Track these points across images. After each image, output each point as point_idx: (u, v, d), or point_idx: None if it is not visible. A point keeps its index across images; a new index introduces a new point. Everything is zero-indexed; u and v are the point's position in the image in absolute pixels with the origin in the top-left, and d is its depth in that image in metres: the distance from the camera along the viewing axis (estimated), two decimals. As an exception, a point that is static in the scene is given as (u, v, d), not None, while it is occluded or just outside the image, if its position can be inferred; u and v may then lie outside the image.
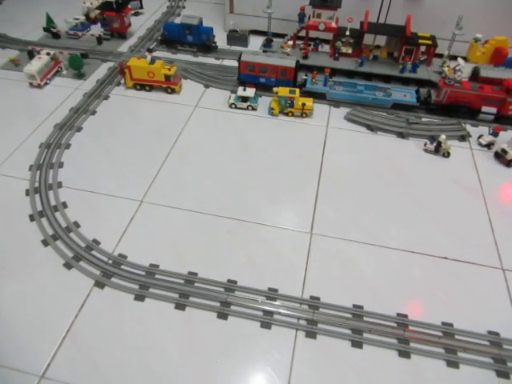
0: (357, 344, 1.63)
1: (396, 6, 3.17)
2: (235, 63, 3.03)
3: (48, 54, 3.00)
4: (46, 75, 2.98)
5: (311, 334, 1.65)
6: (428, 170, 2.41)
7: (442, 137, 2.44)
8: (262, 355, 1.60)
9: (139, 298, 1.76)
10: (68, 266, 1.87)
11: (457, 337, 1.65)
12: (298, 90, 2.71)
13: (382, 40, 3.15)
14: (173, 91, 2.93)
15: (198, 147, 2.52)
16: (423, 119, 2.75)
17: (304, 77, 2.90)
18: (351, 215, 2.14)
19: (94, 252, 1.93)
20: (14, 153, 2.44)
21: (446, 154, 2.48)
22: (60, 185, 2.25)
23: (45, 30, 3.53)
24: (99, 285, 1.81)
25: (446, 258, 1.94)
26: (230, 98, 2.83)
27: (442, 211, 2.16)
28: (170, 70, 2.84)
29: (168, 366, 1.56)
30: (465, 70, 2.77)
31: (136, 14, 3.91)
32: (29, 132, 2.59)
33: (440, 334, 1.65)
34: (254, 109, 2.81)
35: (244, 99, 2.79)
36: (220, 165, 2.40)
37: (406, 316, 1.71)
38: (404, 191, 2.27)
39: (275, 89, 2.70)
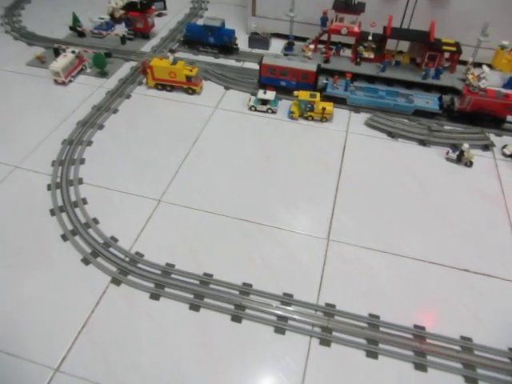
0: (372, 354, 1.60)
1: (420, 12, 3.13)
2: (256, 66, 3.03)
3: (73, 52, 3.06)
4: (71, 73, 3.03)
5: (325, 342, 1.63)
6: (449, 179, 2.36)
7: (465, 145, 2.39)
8: (274, 360, 1.59)
9: (154, 296, 1.77)
10: (86, 261, 1.90)
11: (476, 352, 1.60)
12: (318, 94, 2.69)
13: (405, 45, 3.11)
14: (193, 92, 2.95)
15: (217, 148, 2.52)
16: (445, 127, 2.70)
17: (325, 81, 2.89)
18: (369, 222, 2.11)
19: (111, 249, 1.95)
20: (37, 148, 2.49)
21: (469, 164, 2.43)
22: (81, 181, 2.29)
23: (71, 28, 3.60)
24: (116, 282, 1.82)
25: (466, 270, 1.90)
26: (249, 100, 2.84)
27: (463, 222, 2.12)
28: (191, 70, 2.85)
29: (180, 366, 1.57)
30: (490, 77, 2.72)
31: (159, 14, 3.96)
32: (52, 128, 2.64)
33: (458, 348, 1.61)
34: (273, 112, 2.81)
35: (264, 102, 2.78)
36: (238, 167, 2.40)
37: (423, 328, 1.68)
38: (424, 200, 2.23)
39: (296, 92, 2.69)
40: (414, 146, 2.58)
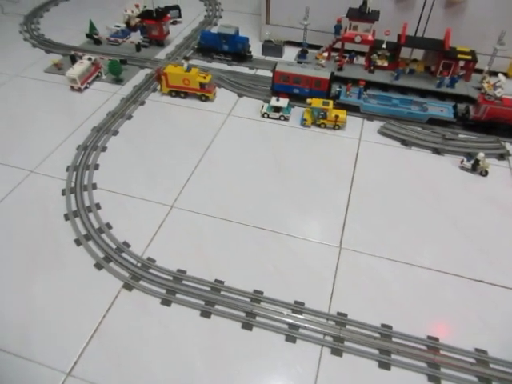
0: (384, 365, 1.58)
1: (435, 20, 3.12)
2: (269, 73, 3.04)
3: (89, 59, 3.11)
4: (87, 79, 3.09)
5: (337, 352, 1.62)
6: (464, 189, 2.33)
7: (481, 154, 2.36)
8: (285, 369, 1.58)
9: (166, 302, 1.78)
10: (98, 266, 1.91)
11: (491, 365, 1.57)
12: (331, 102, 2.69)
13: (419, 54, 3.10)
14: (207, 99, 2.97)
15: (229, 155, 2.53)
16: (460, 135, 2.67)
17: (338, 89, 2.89)
18: (382, 231, 2.09)
19: (123, 254, 1.96)
20: (52, 153, 2.53)
21: (484, 173, 2.40)
22: (95, 186, 2.31)
23: (87, 36, 3.67)
24: (127, 287, 1.83)
25: (481, 281, 1.86)
26: (262, 107, 2.85)
27: (478, 232, 2.09)
28: (205, 78, 2.88)
29: (190, 373, 1.56)
30: (506, 86, 2.68)
31: (174, 22, 4.01)
32: (67, 134, 2.68)
33: (473, 360, 1.58)
34: (286, 119, 2.81)
35: (277, 109, 2.79)
36: (250, 174, 2.41)
37: (436, 339, 1.65)
38: (438, 209, 2.20)
39: (308, 100, 2.69)
40: (428, 154, 2.56)
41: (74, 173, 2.39)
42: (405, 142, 2.62)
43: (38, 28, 3.96)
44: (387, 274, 1.90)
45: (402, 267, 1.93)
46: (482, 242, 2.04)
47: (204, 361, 1.60)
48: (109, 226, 2.09)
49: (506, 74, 2.87)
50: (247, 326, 1.70)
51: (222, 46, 3.36)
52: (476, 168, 2.40)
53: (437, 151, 2.56)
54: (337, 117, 2.67)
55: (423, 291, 1.83)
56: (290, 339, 1.66)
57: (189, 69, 2.88)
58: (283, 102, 2.77)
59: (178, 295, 1.80)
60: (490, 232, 2.09)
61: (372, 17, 2.86)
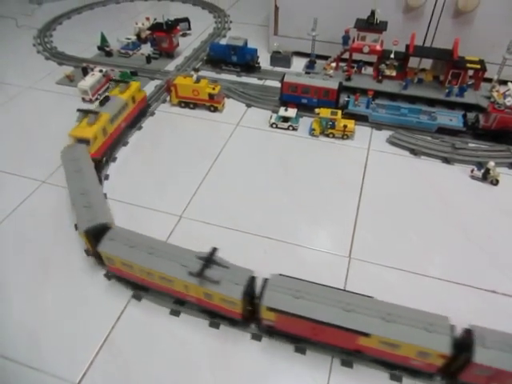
0: (395, 377, 1.55)
1: (443, 29, 3.12)
2: (277, 84, 3.07)
3: (100, 70, 3.17)
4: (98, 91, 3.14)
5: (347, 363, 1.60)
6: (474, 198, 2.31)
7: (491, 163, 2.34)
8: (295, 381, 1.56)
9: (174, 312, 1.78)
10: (108, 276, 1.92)
11: (505, 378, 1.54)
12: (339, 112, 2.69)
13: (427, 63, 3.10)
14: (216, 109, 3.00)
15: (238, 165, 2.55)
16: (470, 145, 2.66)
17: (346, 98, 2.89)
18: (392, 241, 2.07)
19: (133, 264, 1.97)
20: (64, 164, 2.56)
21: (495, 182, 2.38)
22: (105, 196, 2.33)
23: (99, 48, 3.74)
24: (137, 297, 1.84)
25: (493, 291, 1.84)
26: (271, 117, 2.86)
27: (489, 241, 2.06)
28: (214, 88, 2.91)
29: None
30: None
31: (184, 34, 4.07)
32: (79, 144, 2.71)
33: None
34: (294, 129, 2.82)
35: (285, 119, 2.81)
36: (259, 183, 2.41)
37: (449, 351, 1.62)
38: (448, 219, 2.19)
39: (317, 110, 2.70)
40: (438, 163, 2.55)
41: (85, 183, 2.41)
42: (414, 152, 2.61)
43: (51, 41, 4.04)
44: (397, 284, 1.88)
45: (413, 277, 1.91)
46: (493, 251, 2.02)
47: (213, 372, 1.59)
48: (119, 236, 2.11)
49: (515, 83, 2.86)
50: (256, 337, 1.69)
51: (230, 58, 3.40)
52: (486, 177, 2.38)
53: (446, 160, 2.54)
54: (345, 126, 2.67)
55: (434, 301, 1.80)
56: (300, 350, 1.64)
57: (198, 80, 2.91)
58: (292, 112, 2.78)
59: (186, 305, 1.80)
60: (501, 241, 2.06)
61: (380, 27, 2.87)
